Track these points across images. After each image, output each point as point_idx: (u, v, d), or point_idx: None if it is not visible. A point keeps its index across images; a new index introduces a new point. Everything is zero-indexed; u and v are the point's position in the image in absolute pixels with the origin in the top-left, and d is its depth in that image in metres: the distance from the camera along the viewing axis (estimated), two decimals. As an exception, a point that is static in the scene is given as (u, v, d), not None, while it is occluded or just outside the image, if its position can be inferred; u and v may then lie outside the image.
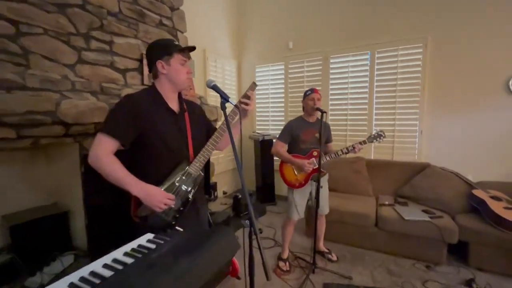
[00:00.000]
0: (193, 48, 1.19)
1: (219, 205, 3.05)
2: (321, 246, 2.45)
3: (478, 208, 2.23)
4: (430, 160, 2.91)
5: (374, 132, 2.13)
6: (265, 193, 3.79)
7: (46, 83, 1.63)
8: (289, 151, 2.26)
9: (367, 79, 3.22)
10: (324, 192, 2.28)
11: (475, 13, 2.66)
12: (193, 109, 1.32)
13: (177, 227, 1.11)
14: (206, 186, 3.10)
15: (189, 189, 1.14)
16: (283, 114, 3.83)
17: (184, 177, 1.13)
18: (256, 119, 4.10)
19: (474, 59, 2.71)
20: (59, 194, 2.09)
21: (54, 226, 1.94)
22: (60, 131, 1.66)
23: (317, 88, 3.47)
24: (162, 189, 1.09)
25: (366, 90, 3.24)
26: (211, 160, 3.35)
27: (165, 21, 2.59)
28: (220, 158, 3.72)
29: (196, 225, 1.25)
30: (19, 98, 1.41)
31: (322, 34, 3.45)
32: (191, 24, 2.97)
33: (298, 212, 2.23)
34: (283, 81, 3.80)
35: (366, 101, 3.25)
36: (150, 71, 1.20)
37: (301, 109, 2.32)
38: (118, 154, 1.10)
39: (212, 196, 3.17)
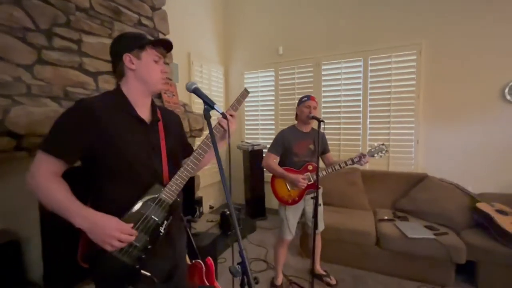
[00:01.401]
0: (169, 43, 0.96)
1: (204, 223, 2.76)
2: (318, 268, 2.22)
3: (484, 223, 2.09)
4: (428, 170, 2.78)
5: (375, 145, 1.95)
6: (255, 207, 3.54)
7: (-8, 86, 1.35)
8: (281, 164, 2.05)
9: (360, 86, 3.10)
10: (319, 208, 2.07)
11: (470, 18, 2.60)
12: (169, 118, 1.07)
13: (143, 271, 0.84)
14: (191, 203, 2.82)
15: (161, 220, 0.89)
16: (273, 122, 3.63)
17: (154, 205, 0.88)
18: (244, 128, 3.88)
19: (469, 66, 2.63)
20: (9, 218, 1.75)
21: (3, 257, 1.61)
22: (8, 143, 1.37)
23: (309, 95, 3.34)
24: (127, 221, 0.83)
25: (360, 98, 3.11)
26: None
27: (144, 21, 2.35)
28: (206, 169, 3.45)
29: (171, 265, 0.98)
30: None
31: (313, 39, 3.32)
32: (174, 26, 2.74)
33: (291, 231, 2.00)
34: (273, 88, 3.62)
35: (360, 109, 3.11)
36: (114, 70, 0.96)
37: (293, 117, 2.12)
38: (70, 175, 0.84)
39: (197, 213, 2.89)
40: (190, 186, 2.80)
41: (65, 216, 0.77)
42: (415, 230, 2.17)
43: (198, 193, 3.12)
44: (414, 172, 2.84)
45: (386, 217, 2.44)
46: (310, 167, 1.95)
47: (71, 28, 1.79)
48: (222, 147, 1.10)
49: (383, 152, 1.91)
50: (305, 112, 1.95)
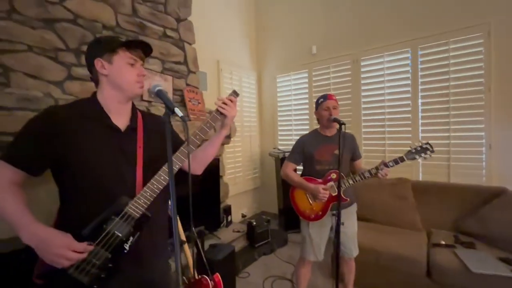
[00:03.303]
0: (144, 44, 0.91)
1: (230, 233, 2.68)
2: (350, 297, 1.88)
3: None
4: (506, 183, 2.15)
5: (416, 145, 1.56)
6: (289, 217, 3.29)
7: (24, 101, 1.51)
8: (303, 173, 1.82)
9: (408, 82, 2.63)
10: (351, 227, 1.75)
11: None
12: (153, 125, 1.00)
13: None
14: (217, 212, 2.76)
15: (125, 235, 0.81)
16: (307, 128, 3.37)
17: (118, 219, 0.80)
18: (278, 134, 3.70)
19: None
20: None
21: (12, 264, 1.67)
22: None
23: (347, 95, 2.99)
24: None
25: (409, 95, 2.64)
26: (225, 180, 3.04)
27: (170, 33, 2.44)
28: (237, 177, 3.38)
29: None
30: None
31: (349, 33, 2.98)
32: (203, 35, 2.78)
33: (315, 252, 1.73)
34: (307, 90, 3.37)
35: (409, 108, 2.63)
36: (91, 77, 0.94)
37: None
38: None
39: (224, 222, 2.82)
40: (215, 195, 2.76)
41: (14, 230, 0.74)
42: (484, 262, 1.66)
43: (228, 202, 3.06)
44: (487, 186, 2.24)
45: (443, 242, 1.95)
46: (333, 176, 1.67)
47: (98, 45, 1.93)
48: (221, 140, 1.07)
49: (428, 152, 1.52)
50: (325, 115, 1.69)
